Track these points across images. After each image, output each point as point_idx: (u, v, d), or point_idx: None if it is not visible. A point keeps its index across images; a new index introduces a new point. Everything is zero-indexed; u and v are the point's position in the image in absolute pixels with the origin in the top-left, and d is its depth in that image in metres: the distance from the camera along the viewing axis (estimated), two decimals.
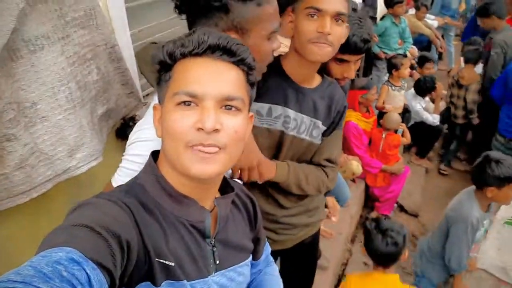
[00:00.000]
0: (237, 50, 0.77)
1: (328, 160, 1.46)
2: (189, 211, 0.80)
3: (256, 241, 1.02)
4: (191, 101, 0.73)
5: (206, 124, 0.71)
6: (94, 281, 0.54)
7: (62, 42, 0.99)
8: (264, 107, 1.35)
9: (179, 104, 0.73)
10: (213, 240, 0.84)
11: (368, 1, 4.11)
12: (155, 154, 0.84)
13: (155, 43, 1.19)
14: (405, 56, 4.13)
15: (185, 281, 0.76)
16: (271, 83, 1.33)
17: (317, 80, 1.42)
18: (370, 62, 4.13)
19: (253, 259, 1.02)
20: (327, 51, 1.22)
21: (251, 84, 0.83)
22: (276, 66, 1.35)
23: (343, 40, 1.28)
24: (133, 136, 1.01)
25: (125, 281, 0.65)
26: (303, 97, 1.37)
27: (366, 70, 4.00)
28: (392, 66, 3.86)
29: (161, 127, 0.78)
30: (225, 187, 0.91)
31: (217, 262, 0.84)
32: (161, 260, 0.73)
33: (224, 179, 0.92)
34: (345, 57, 1.49)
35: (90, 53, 1.10)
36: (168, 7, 1.06)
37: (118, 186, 0.81)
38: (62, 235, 0.58)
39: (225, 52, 0.76)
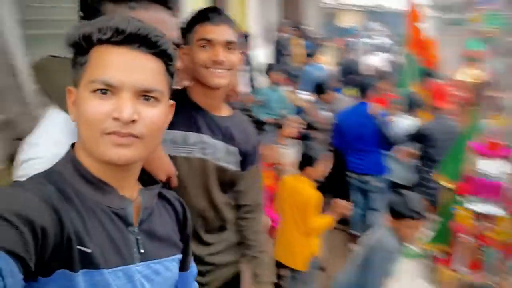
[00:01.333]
0: (157, 41, 0.78)
1: (257, 205, 1.54)
2: (109, 198, 0.81)
3: (184, 251, 1.01)
4: (107, 89, 0.74)
5: (123, 115, 0.72)
6: (5, 272, 0.53)
7: None
8: (177, 134, 1.37)
9: (95, 91, 0.74)
10: (137, 228, 0.84)
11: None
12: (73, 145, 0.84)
13: (54, 56, 1.15)
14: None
15: (104, 270, 0.75)
16: (181, 112, 1.34)
17: (227, 111, 1.50)
18: (259, 128, 4.49)
19: (180, 270, 1.00)
20: (225, 76, 1.33)
21: (171, 74, 0.85)
22: (184, 97, 1.42)
23: (239, 65, 1.41)
24: (24, 154, 0.92)
25: (41, 268, 0.64)
26: (215, 124, 1.42)
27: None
28: (277, 127, 4.24)
29: (76, 112, 0.78)
30: (151, 182, 0.92)
31: (141, 251, 0.83)
32: (79, 247, 0.71)
33: (150, 175, 0.94)
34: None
35: None
36: None
37: (35, 175, 0.77)
38: None
39: (144, 43, 0.77)
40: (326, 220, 2.47)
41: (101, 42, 0.75)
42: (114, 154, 0.74)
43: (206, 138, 1.39)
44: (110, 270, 0.76)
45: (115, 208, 0.81)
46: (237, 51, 1.38)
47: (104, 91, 0.74)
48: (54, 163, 0.81)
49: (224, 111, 1.49)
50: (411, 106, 4.06)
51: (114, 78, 0.73)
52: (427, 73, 4.70)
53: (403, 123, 3.97)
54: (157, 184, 0.92)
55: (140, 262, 0.83)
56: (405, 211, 2.02)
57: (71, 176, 0.78)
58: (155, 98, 0.78)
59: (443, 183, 2.53)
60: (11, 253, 0.56)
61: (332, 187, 3.42)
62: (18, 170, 0.91)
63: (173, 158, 1.32)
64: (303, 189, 2.54)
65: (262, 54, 6.55)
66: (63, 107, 0.94)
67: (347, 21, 15.66)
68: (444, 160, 2.66)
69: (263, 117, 4.66)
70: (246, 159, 1.49)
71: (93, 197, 0.79)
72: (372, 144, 3.39)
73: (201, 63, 1.32)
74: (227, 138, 1.44)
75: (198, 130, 1.39)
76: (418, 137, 3.50)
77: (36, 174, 0.78)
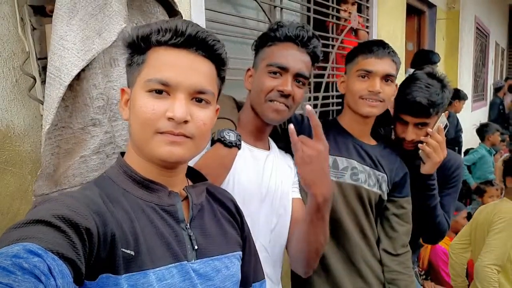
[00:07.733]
0: (214, 46, 0.80)
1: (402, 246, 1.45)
2: (158, 196, 0.81)
3: (243, 249, 0.96)
4: (163, 90, 0.76)
5: (177, 115, 0.74)
6: (55, 272, 0.52)
7: None
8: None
9: (150, 91, 0.76)
10: (188, 224, 0.83)
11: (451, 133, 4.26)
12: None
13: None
14: (491, 184, 3.88)
15: (149, 271, 0.73)
16: (331, 138, 1.40)
17: (373, 140, 1.51)
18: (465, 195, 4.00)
19: (246, 282, 0.96)
20: (377, 106, 1.37)
21: (221, 78, 0.87)
22: (334, 123, 1.51)
23: (392, 98, 1.45)
24: None
25: (87, 272, 0.63)
26: (365, 151, 1.44)
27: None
28: (478, 191, 3.65)
29: (129, 111, 0.81)
30: (197, 179, 0.93)
31: (195, 247, 0.82)
32: (123, 250, 0.71)
33: (197, 172, 0.95)
34: (404, 117, 1.52)
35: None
36: None
37: (86, 183, 0.88)
38: (17, 232, 0.57)
39: (201, 46, 0.79)
40: None
41: (159, 43, 0.78)
42: (166, 151, 0.75)
43: (356, 163, 1.40)
44: (160, 269, 0.74)
45: (165, 205, 0.80)
46: (393, 84, 1.41)
47: (159, 91, 0.75)
48: None
49: (372, 141, 1.50)
50: None
51: (171, 78, 0.75)
52: None
53: None
54: (205, 181, 0.92)
55: (196, 259, 0.81)
56: None
57: (119, 179, 0.80)
58: (206, 101, 0.80)
59: None
60: (60, 255, 0.55)
61: None
62: None
63: None
64: None
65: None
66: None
67: None
68: None
69: (472, 182, 4.06)
70: (394, 189, 1.45)
71: (142, 196, 0.79)
72: None
73: (356, 92, 1.38)
74: (376, 165, 1.43)
75: (348, 155, 1.41)
76: None
77: (88, 182, 0.85)
